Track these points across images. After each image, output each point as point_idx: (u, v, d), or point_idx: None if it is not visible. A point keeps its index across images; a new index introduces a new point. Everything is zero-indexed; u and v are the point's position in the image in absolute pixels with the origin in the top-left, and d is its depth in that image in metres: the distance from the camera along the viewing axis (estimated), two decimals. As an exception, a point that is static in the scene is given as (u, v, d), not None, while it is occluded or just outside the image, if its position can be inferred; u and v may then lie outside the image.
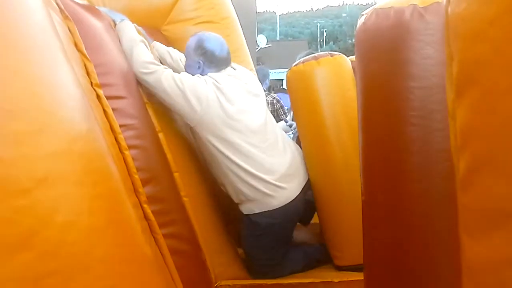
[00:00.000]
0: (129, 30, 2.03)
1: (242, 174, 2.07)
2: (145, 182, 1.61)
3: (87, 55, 1.57)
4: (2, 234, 0.68)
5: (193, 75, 2.09)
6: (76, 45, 1.56)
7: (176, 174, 1.92)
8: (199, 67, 2.17)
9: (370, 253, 1.60)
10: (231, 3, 2.97)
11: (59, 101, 0.87)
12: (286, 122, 3.57)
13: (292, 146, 2.34)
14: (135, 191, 1.56)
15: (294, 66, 2.32)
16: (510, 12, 0.45)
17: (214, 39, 2.20)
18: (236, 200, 2.18)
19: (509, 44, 0.46)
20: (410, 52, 1.32)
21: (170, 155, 1.93)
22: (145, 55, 1.99)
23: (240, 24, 3.07)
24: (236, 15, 3.00)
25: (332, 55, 2.29)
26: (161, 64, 2.06)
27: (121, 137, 1.59)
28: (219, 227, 2.26)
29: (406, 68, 1.33)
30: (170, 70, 2.04)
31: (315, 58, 2.27)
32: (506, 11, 0.46)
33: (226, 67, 2.21)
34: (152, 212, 1.58)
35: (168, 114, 2.13)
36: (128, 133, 1.64)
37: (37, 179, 0.74)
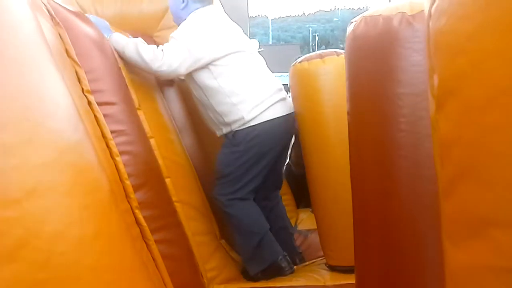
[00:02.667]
0: (123, 38, 2.08)
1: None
2: (136, 188, 1.61)
3: (78, 62, 1.57)
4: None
5: (176, 10, 2.25)
6: (67, 51, 1.56)
7: (167, 180, 1.93)
8: (183, 1, 2.23)
9: (361, 256, 1.62)
10: (223, 8, 2.98)
11: (48, 111, 0.88)
12: None
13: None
14: (127, 197, 1.56)
15: (298, 63, 2.29)
16: (487, 28, 0.46)
17: None
18: (228, 119, 2.20)
19: (486, 58, 0.47)
20: (399, 59, 1.34)
21: (162, 160, 1.93)
22: (149, 50, 2.07)
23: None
24: (242, 34, 3.02)
25: (338, 54, 2.24)
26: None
27: (112, 143, 1.59)
28: (211, 232, 2.26)
29: (395, 75, 1.34)
30: (166, 44, 2.13)
31: (320, 56, 2.24)
32: (483, 27, 0.47)
33: (210, 3, 2.27)
34: (144, 217, 1.58)
35: (159, 119, 2.14)
36: (119, 139, 1.64)
37: (26, 190, 0.74)
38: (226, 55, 2.16)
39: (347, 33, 1.51)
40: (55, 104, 0.92)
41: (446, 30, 0.54)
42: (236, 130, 2.21)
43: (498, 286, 0.49)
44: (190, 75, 2.20)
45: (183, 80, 2.43)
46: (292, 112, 2.34)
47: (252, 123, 2.19)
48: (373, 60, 1.40)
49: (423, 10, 1.34)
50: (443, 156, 0.59)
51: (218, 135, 2.34)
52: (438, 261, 1.35)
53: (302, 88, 2.29)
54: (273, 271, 2.30)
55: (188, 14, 2.20)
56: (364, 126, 1.46)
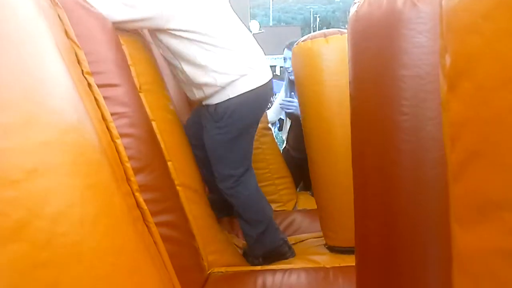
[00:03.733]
0: None
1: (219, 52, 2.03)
2: (137, 171, 1.60)
3: (78, 43, 1.56)
4: (-8, 225, 0.68)
5: None
6: (66, 32, 1.54)
7: (169, 163, 1.92)
8: None
9: (361, 238, 1.62)
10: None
11: (48, 92, 0.87)
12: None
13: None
14: (127, 179, 1.55)
15: (302, 42, 2.25)
16: (503, 6, 0.45)
17: None
18: (199, 81, 2.09)
19: (501, 38, 0.46)
20: (402, 40, 1.32)
21: (163, 144, 1.92)
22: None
23: (233, 9, 3.04)
24: (228, 0, 2.98)
25: (341, 33, 2.20)
26: None
27: (112, 125, 1.58)
28: (212, 216, 2.27)
29: (398, 57, 1.33)
30: None
31: (324, 35, 2.18)
32: (499, 5, 0.46)
33: None
34: (145, 200, 1.58)
35: (161, 102, 2.12)
36: (120, 121, 1.63)
37: (27, 170, 0.74)
38: (192, 12, 1.99)
39: (350, 14, 1.49)
40: (55, 85, 0.91)
41: (460, 9, 0.53)
42: (215, 104, 2.13)
43: (507, 269, 0.49)
44: (154, 35, 2.07)
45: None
46: (271, 78, 2.26)
47: (230, 95, 2.09)
48: (377, 41, 1.39)
49: (428, -10, 1.33)
50: (454, 137, 0.58)
51: (193, 99, 2.24)
52: (440, 243, 1.37)
53: (305, 67, 2.25)
54: (275, 256, 2.32)
55: None
56: (366, 108, 1.45)
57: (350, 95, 1.54)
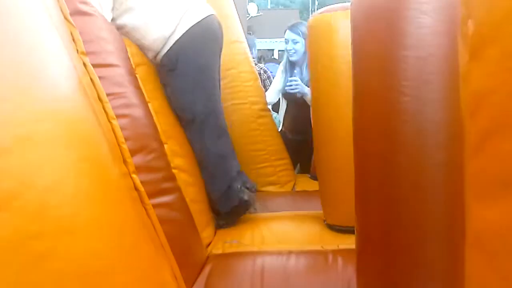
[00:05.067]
0: None
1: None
2: (134, 152, 1.58)
3: (72, 22, 1.52)
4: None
5: None
6: (61, 10, 1.51)
7: (166, 146, 1.90)
8: None
9: (361, 220, 1.61)
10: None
11: (43, 61, 0.85)
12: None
13: None
14: (124, 161, 1.53)
15: (319, 13, 2.19)
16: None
17: None
18: (147, 41, 2.11)
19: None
20: (405, 21, 1.29)
21: (159, 126, 1.90)
22: None
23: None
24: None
25: None
26: None
27: (108, 106, 1.55)
28: (206, 201, 2.26)
29: (401, 37, 1.30)
30: None
31: (344, 8, 2.11)
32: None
33: None
34: (142, 182, 1.56)
35: (157, 83, 2.09)
36: (116, 101, 1.61)
37: (20, 139, 0.72)
38: None
39: (352, -7, 1.46)
40: (50, 56, 0.89)
41: None
42: (164, 54, 2.13)
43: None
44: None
45: None
46: (213, 14, 2.27)
47: (175, 37, 2.11)
48: (379, 22, 1.36)
49: (432, -31, 1.30)
50: (475, 109, 0.56)
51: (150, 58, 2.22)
52: (441, 224, 1.36)
53: (320, 41, 2.18)
54: (239, 208, 2.36)
55: None
56: (368, 89, 1.42)
57: (352, 76, 1.52)
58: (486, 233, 0.55)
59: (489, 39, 0.52)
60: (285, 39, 3.29)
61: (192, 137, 2.24)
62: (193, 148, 2.26)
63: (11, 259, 0.68)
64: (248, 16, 20.26)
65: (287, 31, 3.28)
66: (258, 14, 22.12)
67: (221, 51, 2.37)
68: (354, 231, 1.66)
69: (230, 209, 2.34)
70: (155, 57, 2.17)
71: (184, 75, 2.15)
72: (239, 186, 2.34)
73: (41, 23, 0.95)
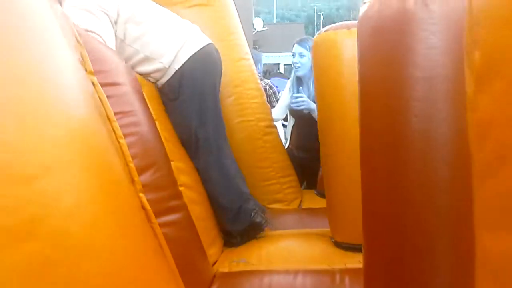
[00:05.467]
0: None
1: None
2: (141, 170, 1.58)
3: (81, 41, 1.53)
4: (5, 222, 0.66)
5: None
6: (71, 30, 1.52)
7: (172, 163, 1.90)
8: None
9: (369, 238, 1.60)
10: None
11: (63, 87, 0.86)
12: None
13: None
14: (131, 180, 1.53)
15: (324, 32, 2.23)
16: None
17: None
18: (146, 70, 2.14)
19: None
20: (414, 41, 1.29)
21: (166, 143, 1.90)
22: None
23: (236, 7, 3.01)
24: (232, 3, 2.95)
25: None
26: None
27: (115, 125, 1.56)
28: (213, 218, 2.25)
29: (410, 57, 1.30)
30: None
31: (347, 27, 2.16)
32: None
33: None
34: (149, 200, 1.56)
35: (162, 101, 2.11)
36: (124, 120, 1.61)
37: (43, 167, 0.73)
38: (121, 4, 2.06)
39: (360, 13, 1.46)
40: (70, 80, 0.92)
41: (493, 1, 0.50)
42: (165, 83, 2.18)
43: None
44: None
45: None
46: (211, 43, 2.31)
47: (175, 67, 2.15)
48: (387, 41, 1.36)
49: (440, -10, 1.31)
50: (482, 137, 0.55)
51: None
52: (451, 244, 1.34)
53: (325, 58, 2.21)
54: (252, 230, 2.36)
55: None
56: (376, 108, 1.42)
57: (359, 94, 1.51)
58: (498, 263, 0.54)
59: (495, 71, 0.51)
60: (293, 52, 3.31)
61: (196, 161, 2.26)
62: (199, 171, 2.27)
63: (36, 285, 0.69)
64: (254, 31, 20.40)
65: (295, 44, 3.30)
66: (263, 29, 22.27)
67: (220, 78, 2.42)
68: (362, 249, 1.65)
69: (242, 229, 2.35)
70: (156, 83, 2.22)
71: (186, 104, 2.19)
72: (251, 207, 2.36)
73: (57, 45, 0.97)
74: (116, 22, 2.04)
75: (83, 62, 1.53)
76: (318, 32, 2.30)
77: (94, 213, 0.85)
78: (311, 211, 2.91)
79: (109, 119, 1.55)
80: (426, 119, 1.30)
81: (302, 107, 3.11)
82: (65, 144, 0.81)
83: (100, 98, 1.54)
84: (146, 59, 2.11)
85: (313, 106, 2.99)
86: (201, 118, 2.22)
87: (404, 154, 1.37)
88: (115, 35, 2.05)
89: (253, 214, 2.35)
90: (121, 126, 1.57)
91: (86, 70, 1.53)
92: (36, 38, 0.85)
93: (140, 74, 2.11)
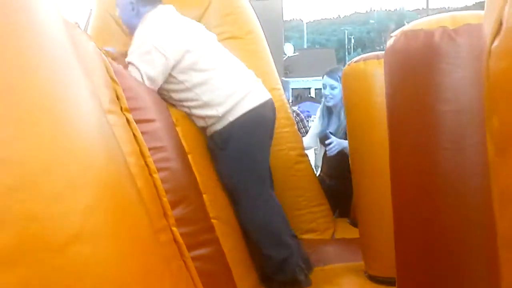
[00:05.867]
0: None
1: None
2: (174, 205, 1.62)
3: (116, 80, 1.60)
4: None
5: (129, 19, 2.18)
6: (107, 69, 1.59)
7: (204, 196, 1.93)
8: (133, 9, 2.17)
9: (402, 271, 1.57)
10: (258, 14, 2.96)
11: (93, 152, 0.88)
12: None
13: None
14: (164, 214, 1.57)
15: (354, 62, 2.23)
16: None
17: None
18: (200, 113, 2.16)
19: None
20: (441, 75, 1.29)
21: (199, 176, 1.94)
22: None
23: (267, 33, 3.06)
24: (261, 29, 3.00)
25: None
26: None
27: (150, 160, 1.60)
28: (245, 251, 2.25)
29: (437, 91, 1.30)
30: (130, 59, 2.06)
31: (377, 57, 2.16)
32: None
33: (159, 3, 2.21)
34: (181, 234, 1.59)
35: (197, 135, 2.15)
36: (157, 155, 1.65)
37: (72, 235, 0.74)
38: (189, 51, 2.10)
39: (386, 46, 1.48)
40: (100, 144, 0.93)
41: (510, 72, 0.51)
42: (217, 131, 2.18)
43: None
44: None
45: None
46: (270, 98, 2.30)
47: (230, 118, 2.14)
48: (414, 75, 1.36)
49: (465, 24, 1.31)
50: (504, 205, 0.55)
51: (198, 126, 2.26)
52: (486, 280, 1.31)
53: (356, 88, 2.22)
54: (291, 284, 2.29)
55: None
56: (405, 142, 1.41)
57: (388, 128, 1.52)
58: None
59: None
60: (323, 84, 3.31)
61: (239, 210, 2.25)
62: (241, 220, 2.27)
63: None
64: (284, 57, 20.59)
65: (325, 76, 3.30)
66: (294, 54, 22.44)
67: (273, 132, 2.41)
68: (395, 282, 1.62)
69: (282, 280, 2.30)
70: (205, 129, 2.23)
71: (233, 156, 2.18)
72: (295, 262, 2.30)
73: (86, 109, 0.99)
74: (176, 66, 2.08)
75: (118, 99, 1.59)
76: (348, 63, 2.31)
77: (123, 278, 0.86)
78: (344, 242, 2.87)
79: (143, 155, 1.60)
80: (456, 151, 1.29)
81: (336, 151, 3.07)
82: (94, 210, 0.82)
83: (134, 135, 1.60)
84: (204, 105, 2.13)
85: (345, 144, 2.95)
86: (247, 171, 2.21)
87: (436, 186, 1.35)
88: (175, 77, 2.09)
89: (297, 270, 2.29)
90: (154, 161, 1.61)
91: (121, 107, 1.59)
92: (68, 107, 0.86)
93: (195, 116, 2.16)
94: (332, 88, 3.22)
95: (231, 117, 2.15)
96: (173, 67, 2.07)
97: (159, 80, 2.05)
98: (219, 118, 2.15)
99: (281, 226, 2.33)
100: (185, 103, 2.15)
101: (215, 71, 2.16)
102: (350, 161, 2.36)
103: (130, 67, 2.00)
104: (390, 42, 1.46)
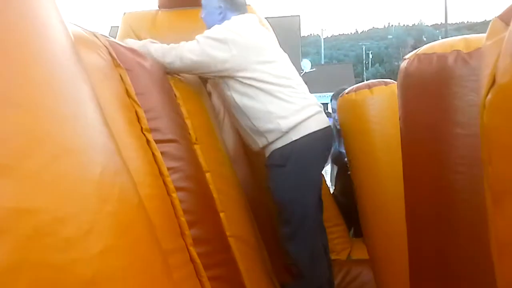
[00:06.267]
0: (136, 43, 2.15)
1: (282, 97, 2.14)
2: (191, 224, 1.64)
3: (138, 101, 1.64)
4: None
5: (213, 23, 2.19)
6: (127, 91, 1.63)
7: (222, 214, 1.95)
8: (220, 13, 2.23)
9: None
10: (275, 30, 2.99)
11: (106, 198, 0.88)
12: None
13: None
14: (182, 233, 1.59)
15: (346, 93, 2.27)
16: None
17: None
18: (263, 128, 2.17)
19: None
20: (455, 98, 1.31)
21: (217, 194, 1.96)
22: (158, 48, 2.11)
23: (285, 49, 3.09)
24: (278, 45, 3.04)
25: (386, 84, 2.22)
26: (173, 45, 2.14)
27: (169, 180, 1.64)
28: (263, 268, 2.26)
29: (451, 114, 1.31)
30: (183, 42, 2.12)
31: (368, 86, 2.21)
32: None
33: (245, 11, 2.27)
34: (198, 254, 1.61)
35: (215, 153, 2.18)
36: (175, 175, 1.68)
37: (85, 282, 0.75)
38: (261, 60, 2.13)
39: (400, 69, 1.49)
40: (113, 188, 0.93)
41: (503, 128, 0.53)
42: (278, 149, 2.18)
43: None
44: (222, 82, 2.21)
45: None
46: (329, 126, 2.31)
47: (293, 137, 2.15)
48: (427, 98, 1.38)
49: (479, 48, 1.32)
50: (501, 256, 0.56)
51: (256, 149, 2.30)
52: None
53: (351, 119, 2.27)
54: None
55: None
56: (419, 165, 1.43)
57: (402, 152, 1.53)
58: None
59: (507, 191, 0.52)
60: (331, 108, 3.32)
61: (285, 229, 2.26)
62: (284, 239, 2.27)
63: None
64: (302, 72, 20.62)
65: (332, 100, 3.30)
66: (311, 70, 22.45)
67: (326, 161, 2.42)
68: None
69: None
70: (264, 148, 2.25)
71: (291, 175, 2.18)
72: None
73: (108, 109, 1.01)
74: (246, 71, 2.11)
75: (138, 120, 1.63)
76: (340, 95, 2.37)
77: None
78: (360, 263, 2.86)
79: (162, 174, 1.63)
80: (472, 177, 1.29)
81: None
82: (107, 255, 0.82)
83: (154, 155, 1.64)
84: (268, 115, 2.14)
85: None
86: (302, 191, 2.21)
87: (450, 212, 1.35)
88: (244, 82, 2.12)
89: None
90: (172, 181, 1.65)
91: (142, 128, 1.63)
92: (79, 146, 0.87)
93: (256, 132, 2.19)
94: None
95: (295, 136, 2.15)
96: (243, 70, 2.10)
97: (193, 69, 2.12)
98: (282, 135, 2.16)
99: (321, 254, 2.34)
100: (248, 112, 2.17)
101: (285, 83, 2.18)
102: (354, 188, 2.37)
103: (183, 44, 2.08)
104: (403, 65, 1.48)
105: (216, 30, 2.11)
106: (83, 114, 0.90)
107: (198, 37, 2.11)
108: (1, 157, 0.63)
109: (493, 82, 0.55)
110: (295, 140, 2.15)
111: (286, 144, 2.16)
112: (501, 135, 0.54)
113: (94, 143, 0.91)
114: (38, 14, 0.84)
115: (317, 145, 2.21)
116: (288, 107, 2.14)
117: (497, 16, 0.68)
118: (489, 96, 0.57)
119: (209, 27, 2.25)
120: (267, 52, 2.19)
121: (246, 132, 2.28)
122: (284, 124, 2.13)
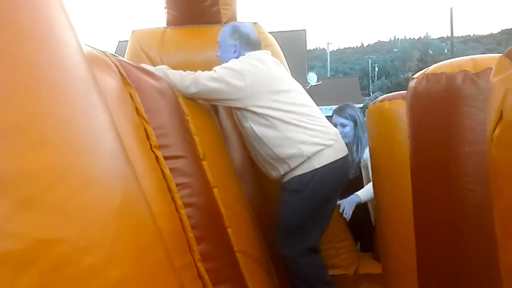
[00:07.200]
0: (155, 69, 2.19)
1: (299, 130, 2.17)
2: (199, 240, 1.65)
3: (147, 119, 1.66)
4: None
5: (228, 60, 2.26)
6: (137, 110, 1.65)
7: (229, 230, 1.96)
8: (235, 51, 2.30)
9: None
10: (281, 44, 3.02)
11: (125, 225, 0.90)
12: None
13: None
14: (190, 249, 1.60)
15: (379, 101, 2.27)
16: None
17: (247, 25, 2.42)
18: (285, 154, 2.18)
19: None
20: (463, 117, 1.32)
21: (224, 210, 1.97)
22: (176, 72, 2.17)
23: (291, 63, 3.10)
24: (284, 60, 3.06)
25: None
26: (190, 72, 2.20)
27: (177, 196, 1.65)
28: (271, 284, 2.25)
29: (460, 133, 1.32)
30: (200, 71, 2.19)
31: (402, 97, 2.19)
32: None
33: (260, 49, 2.35)
34: (206, 270, 1.61)
35: (223, 169, 2.19)
36: (184, 191, 1.70)
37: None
38: (276, 92, 2.19)
39: (408, 89, 1.51)
40: (131, 214, 0.95)
41: (511, 163, 0.54)
42: (298, 175, 2.19)
43: None
44: (239, 114, 2.25)
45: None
46: (347, 154, 2.33)
47: (315, 165, 2.16)
48: (436, 117, 1.39)
49: (487, 68, 1.33)
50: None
51: (275, 177, 2.31)
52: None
53: (382, 128, 2.23)
54: None
55: None
56: (428, 183, 1.43)
57: (411, 169, 1.53)
58: None
59: None
60: (333, 123, 3.30)
61: (288, 249, 2.26)
62: (287, 258, 2.28)
63: None
64: (308, 85, 20.66)
65: (334, 115, 3.28)
66: (317, 83, 22.48)
67: (339, 190, 2.43)
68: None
69: None
70: (285, 175, 2.25)
71: (306, 202, 2.21)
72: None
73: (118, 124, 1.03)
74: (261, 101, 2.17)
75: (148, 138, 1.65)
76: (372, 102, 2.34)
77: None
78: (368, 278, 2.84)
79: (171, 190, 1.65)
80: (479, 194, 1.29)
81: (351, 212, 3.02)
82: (127, 281, 0.84)
83: (163, 171, 1.65)
84: (286, 141, 2.17)
85: (355, 198, 2.94)
86: (313, 218, 2.24)
87: (460, 229, 1.35)
88: (260, 113, 2.17)
89: None
90: (181, 197, 1.66)
91: (151, 145, 1.65)
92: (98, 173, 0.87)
93: (278, 159, 2.21)
94: (343, 126, 3.16)
95: (317, 164, 2.18)
96: (258, 99, 2.16)
97: (209, 95, 2.18)
98: (304, 160, 2.17)
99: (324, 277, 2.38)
100: (267, 141, 2.20)
101: (303, 111, 2.23)
102: (374, 196, 2.36)
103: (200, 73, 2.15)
104: (412, 84, 1.49)
105: (233, 62, 2.20)
106: (103, 145, 0.92)
107: (216, 67, 2.19)
108: (28, 191, 0.65)
109: (501, 117, 0.56)
110: (316, 168, 2.17)
111: (307, 172, 2.17)
112: (509, 168, 0.55)
113: (113, 172, 0.93)
114: (60, 47, 0.87)
115: (336, 175, 2.24)
116: (308, 133, 2.18)
117: (504, 54, 0.69)
118: (497, 130, 0.58)
119: (223, 62, 2.32)
120: (282, 81, 2.25)
121: (266, 161, 2.29)
122: (306, 149, 2.16)
